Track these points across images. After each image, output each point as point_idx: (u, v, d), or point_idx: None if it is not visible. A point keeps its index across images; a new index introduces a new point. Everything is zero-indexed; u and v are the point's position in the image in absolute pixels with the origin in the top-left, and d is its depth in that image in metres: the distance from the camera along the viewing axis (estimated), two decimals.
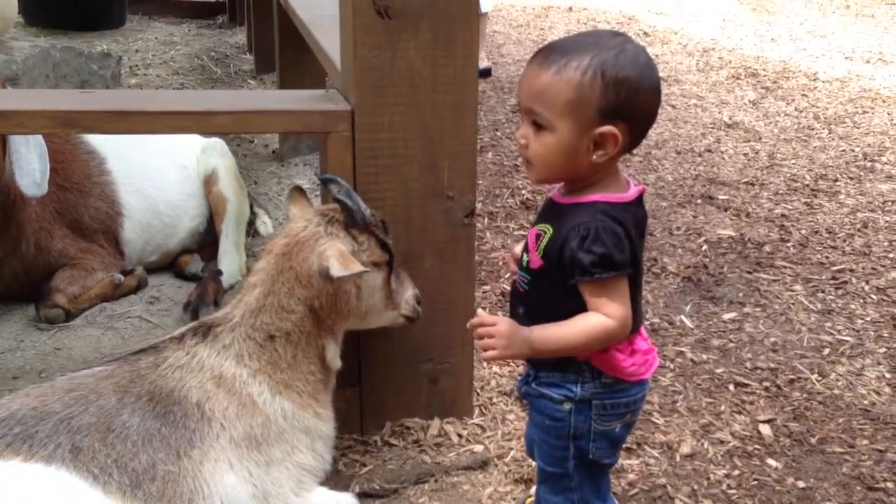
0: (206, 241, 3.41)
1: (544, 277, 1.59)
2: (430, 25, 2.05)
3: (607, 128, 1.49)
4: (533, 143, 1.54)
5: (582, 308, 1.54)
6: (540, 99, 1.51)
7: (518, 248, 1.73)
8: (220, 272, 3.19)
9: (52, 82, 4.95)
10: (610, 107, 1.48)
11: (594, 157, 1.52)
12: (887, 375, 2.64)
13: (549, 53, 1.51)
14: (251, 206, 3.58)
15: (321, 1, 3.46)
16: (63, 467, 1.64)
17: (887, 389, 2.57)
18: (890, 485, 2.16)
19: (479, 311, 1.64)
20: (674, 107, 5.54)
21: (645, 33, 7.79)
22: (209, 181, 3.39)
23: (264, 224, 3.66)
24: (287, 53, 4.60)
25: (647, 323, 2.92)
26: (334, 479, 2.11)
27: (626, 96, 1.48)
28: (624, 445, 2.23)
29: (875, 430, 2.39)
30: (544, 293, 1.61)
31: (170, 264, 3.38)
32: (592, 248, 1.49)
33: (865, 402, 2.51)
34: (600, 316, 1.52)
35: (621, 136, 1.50)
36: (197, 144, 3.44)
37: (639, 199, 1.59)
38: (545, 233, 1.57)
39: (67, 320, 2.94)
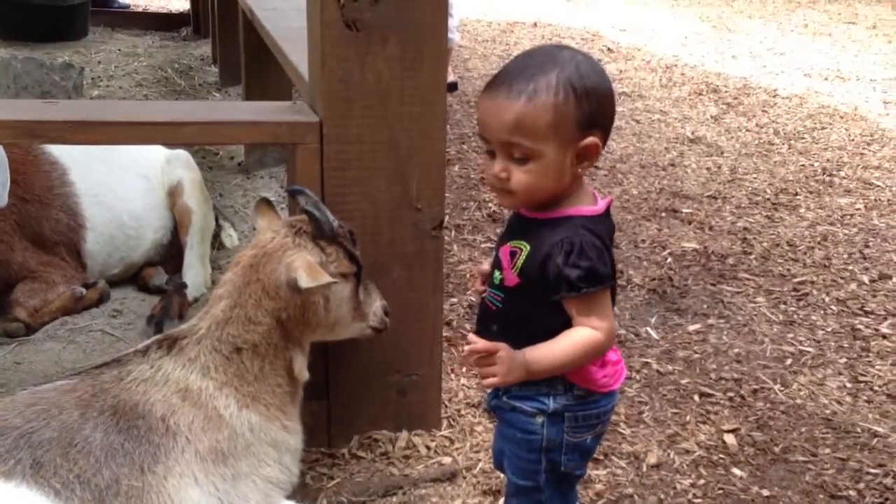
0: (171, 254, 3.37)
1: (521, 295, 1.58)
2: (398, 38, 2.05)
3: (589, 139, 1.51)
4: (516, 174, 1.52)
5: (566, 323, 1.55)
6: (518, 131, 1.49)
7: (485, 266, 1.72)
8: (184, 285, 3.16)
9: (13, 93, 4.87)
10: (585, 117, 1.50)
11: (579, 169, 1.53)
12: (848, 385, 2.69)
13: (512, 82, 1.49)
14: (216, 219, 3.55)
15: (288, 13, 3.45)
16: (24, 483, 1.61)
17: (848, 399, 2.62)
18: (852, 493, 2.20)
19: (472, 336, 1.59)
20: (638, 122, 5.61)
21: (609, 49, 7.88)
22: (174, 193, 3.35)
23: (230, 237, 3.63)
24: (253, 66, 4.58)
25: None
26: (302, 493, 2.09)
27: (597, 103, 1.51)
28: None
29: (837, 438, 2.42)
30: (523, 310, 1.60)
31: (133, 277, 3.33)
32: (579, 262, 1.49)
33: (827, 411, 2.55)
34: (589, 330, 1.52)
35: (600, 143, 1.52)
36: (161, 156, 3.41)
37: (607, 212, 1.61)
38: (521, 250, 1.56)
39: (28, 334, 2.89)
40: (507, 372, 1.55)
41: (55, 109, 2.20)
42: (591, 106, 1.49)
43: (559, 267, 1.50)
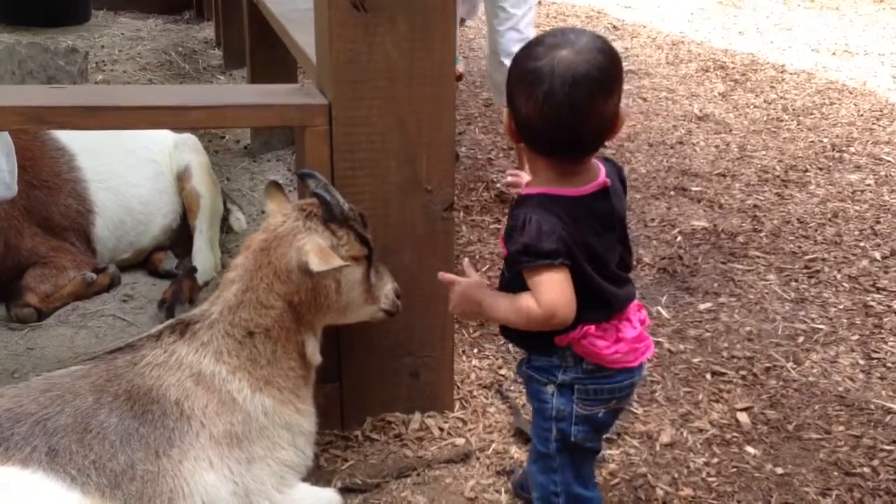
0: (180, 238, 3.37)
1: (507, 265, 1.70)
2: (406, 18, 2.03)
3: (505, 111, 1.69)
4: None
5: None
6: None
7: (522, 178, 1.91)
8: (194, 269, 3.15)
9: (18, 79, 4.86)
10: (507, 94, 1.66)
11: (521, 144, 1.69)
12: (860, 362, 2.68)
13: (596, 73, 1.52)
14: (224, 202, 3.54)
15: None
16: (40, 470, 1.61)
17: (861, 376, 2.61)
18: (867, 469, 2.20)
19: (465, 261, 1.81)
20: (645, 99, 5.57)
21: (614, 27, 7.82)
22: (182, 177, 3.34)
23: (238, 220, 3.63)
24: (257, 48, 4.56)
25: None
26: (316, 475, 2.10)
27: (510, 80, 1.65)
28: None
29: (850, 416, 2.42)
30: (511, 278, 1.68)
31: (143, 262, 3.33)
32: (518, 238, 1.56)
33: (840, 388, 2.54)
34: (530, 300, 1.58)
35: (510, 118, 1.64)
36: (169, 140, 3.40)
37: (597, 194, 1.61)
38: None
39: (39, 320, 2.90)
40: (458, 304, 1.76)
41: (63, 95, 2.19)
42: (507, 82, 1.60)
43: (506, 240, 1.61)
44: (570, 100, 1.50)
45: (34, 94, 2.28)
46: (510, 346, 2.69)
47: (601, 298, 1.62)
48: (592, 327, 1.62)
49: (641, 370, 1.72)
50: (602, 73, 1.52)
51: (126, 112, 2.05)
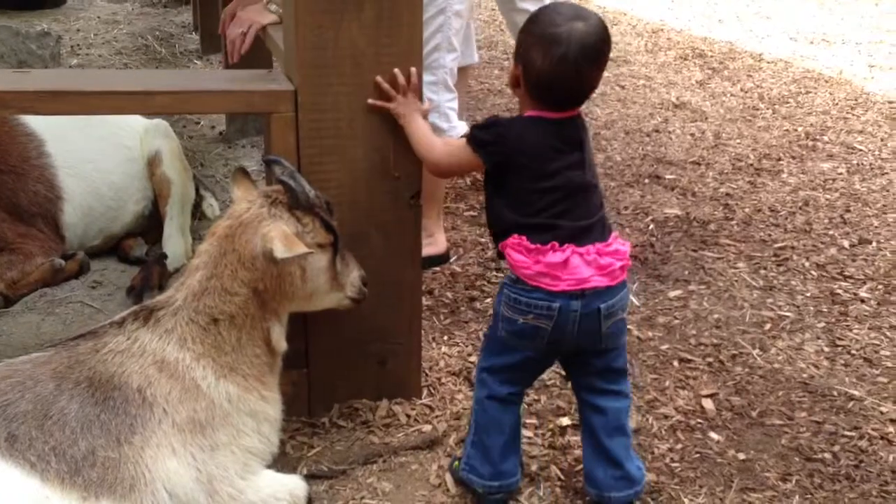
0: (152, 225, 3.35)
1: None
2: (373, 4, 2.03)
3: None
4: None
5: (492, 189, 1.93)
6: None
7: None
8: (164, 256, 3.14)
9: None
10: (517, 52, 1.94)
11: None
12: (825, 349, 2.71)
13: (601, 46, 1.83)
14: (197, 189, 3.52)
15: None
16: None
17: (825, 363, 2.64)
18: (827, 455, 2.23)
19: (396, 71, 2.07)
20: (623, 87, 5.59)
21: None
22: (152, 163, 3.32)
23: (211, 206, 3.61)
24: None
25: None
26: (282, 462, 2.10)
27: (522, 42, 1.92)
28: (568, 421, 2.28)
29: (813, 402, 2.45)
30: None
31: (114, 248, 3.31)
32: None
33: (804, 375, 2.57)
34: (438, 147, 2.03)
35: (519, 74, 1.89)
36: (139, 126, 3.37)
37: (564, 120, 1.86)
38: None
39: (6, 306, 2.88)
40: (396, 107, 2.08)
41: (27, 79, 2.16)
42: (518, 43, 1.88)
43: None
44: (578, 64, 1.79)
45: None
46: (480, 333, 2.71)
47: (541, 225, 1.83)
48: (521, 239, 1.83)
49: (573, 301, 1.83)
50: (605, 47, 1.84)
51: (89, 97, 2.03)
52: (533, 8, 1.95)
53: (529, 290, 1.85)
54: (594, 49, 1.80)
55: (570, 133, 1.87)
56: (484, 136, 1.88)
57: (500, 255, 1.95)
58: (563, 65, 1.78)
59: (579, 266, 1.82)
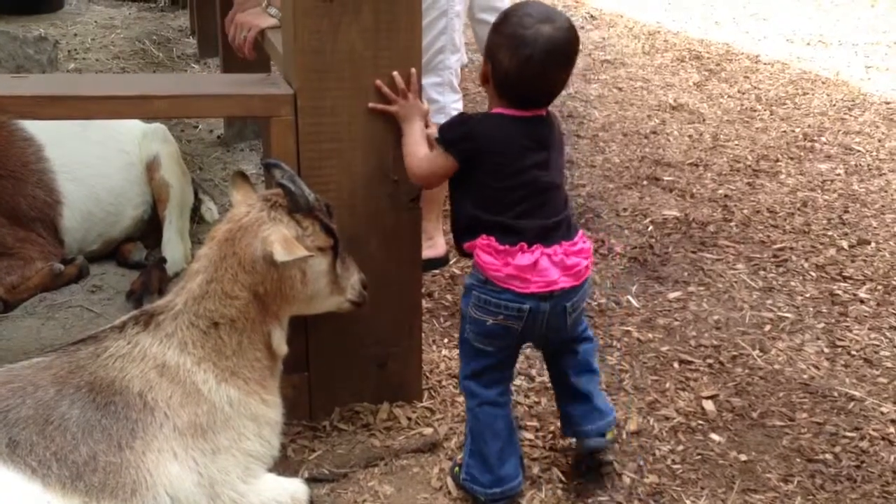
0: (151, 229, 3.35)
1: None
2: (371, 8, 2.03)
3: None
4: None
5: (458, 188, 1.96)
6: None
7: None
8: (163, 260, 3.14)
9: None
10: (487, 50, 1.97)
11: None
12: (825, 350, 2.71)
13: (567, 49, 1.86)
14: (196, 193, 3.52)
15: None
16: (0, 461, 1.60)
17: (825, 363, 2.64)
18: (828, 456, 2.23)
19: (396, 74, 2.06)
20: (620, 89, 5.59)
21: (591, 16, 7.83)
22: (151, 167, 3.32)
23: (210, 210, 3.61)
24: None
25: (594, 303, 2.96)
26: (283, 465, 2.10)
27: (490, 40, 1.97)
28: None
29: (814, 403, 2.45)
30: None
31: (113, 253, 3.31)
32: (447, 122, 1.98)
33: (805, 376, 2.57)
34: (420, 155, 2.00)
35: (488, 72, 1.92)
36: (138, 130, 3.37)
37: (532, 119, 1.89)
38: None
39: (6, 311, 2.87)
40: (398, 110, 2.07)
41: (25, 84, 2.17)
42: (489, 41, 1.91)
43: None
44: (544, 66, 1.82)
45: None
46: None
47: (509, 224, 1.85)
48: (490, 240, 1.85)
49: (542, 302, 1.86)
50: (571, 49, 1.86)
51: (87, 101, 2.03)
52: (492, 19, 1.95)
53: (499, 292, 1.88)
54: (561, 52, 1.84)
55: (537, 131, 1.90)
56: (453, 134, 1.91)
57: (464, 254, 1.98)
58: (529, 66, 1.82)
59: (548, 268, 1.87)
